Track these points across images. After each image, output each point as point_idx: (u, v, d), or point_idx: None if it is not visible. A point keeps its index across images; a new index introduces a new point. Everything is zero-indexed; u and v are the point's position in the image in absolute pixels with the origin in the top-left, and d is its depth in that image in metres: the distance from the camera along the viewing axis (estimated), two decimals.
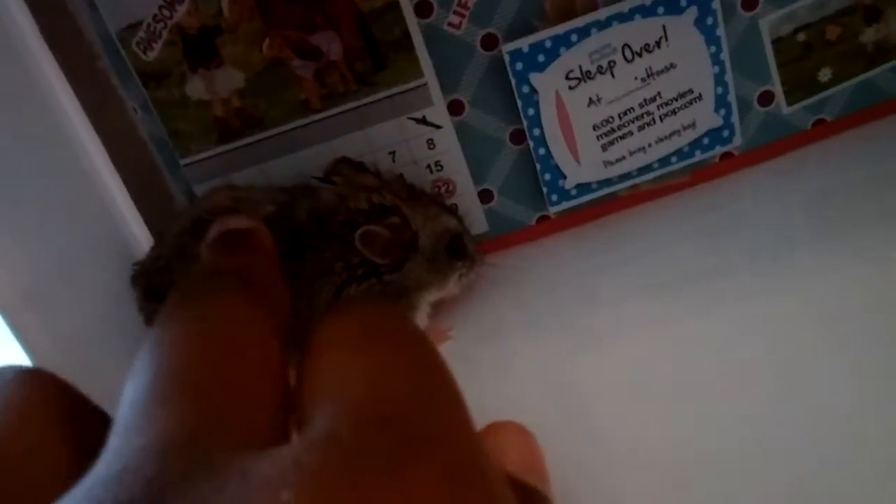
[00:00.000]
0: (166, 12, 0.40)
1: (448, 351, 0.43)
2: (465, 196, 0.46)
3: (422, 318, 0.42)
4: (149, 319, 0.40)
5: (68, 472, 0.15)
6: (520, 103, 0.44)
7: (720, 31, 0.44)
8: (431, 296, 0.42)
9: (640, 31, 0.43)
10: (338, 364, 0.16)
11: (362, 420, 0.14)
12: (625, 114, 0.45)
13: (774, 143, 0.47)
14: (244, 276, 0.19)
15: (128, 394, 0.15)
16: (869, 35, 0.46)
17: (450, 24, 0.42)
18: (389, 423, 0.14)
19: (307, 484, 0.12)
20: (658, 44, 0.43)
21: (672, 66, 0.44)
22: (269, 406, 0.16)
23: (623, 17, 0.42)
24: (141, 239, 0.46)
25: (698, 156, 0.46)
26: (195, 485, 0.13)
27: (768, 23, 0.44)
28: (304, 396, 0.16)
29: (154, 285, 0.40)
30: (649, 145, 0.46)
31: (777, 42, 0.45)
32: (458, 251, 0.41)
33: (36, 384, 0.17)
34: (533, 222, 0.48)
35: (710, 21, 0.43)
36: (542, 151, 0.45)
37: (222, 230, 0.23)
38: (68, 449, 0.16)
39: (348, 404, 0.14)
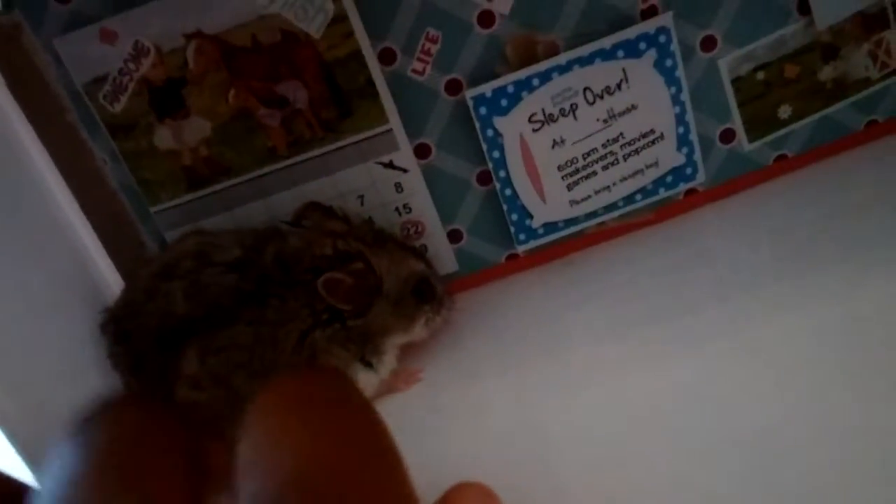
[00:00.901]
0: (132, 65, 0.40)
1: (419, 392, 0.44)
2: (434, 236, 0.47)
3: (390, 362, 0.42)
4: (117, 364, 0.41)
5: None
6: (485, 146, 0.44)
7: (679, 73, 0.44)
8: (398, 339, 0.42)
9: (601, 74, 0.44)
10: (268, 433, 0.16)
11: (283, 496, 0.14)
12: (588, 154, 0.45)
13: (737, 179, 0.48)
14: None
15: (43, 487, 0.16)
16: (827, 73, 0.46)
17: (413, 71, 0.43)
18: (312, 496, 0.14)
19: None
20: (619, 86, 0.44)
21: (633, 107, 0.45)
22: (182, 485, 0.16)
23: (583, 61, 0.43)
24: (113, 285, 0.46)
25: (662, 193, 0.47)
26: None
27: (727, 63, 0.45)
28: (239, 466, 0.16)
29: (124, 330, 0.40)
30: (614, 184, 0.46)
31: (736, 81, 0.46)
32: (425, 294, 0.42)
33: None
34: (502, 260, 0.48)
35: (669, 63, 0.44)
36: (508, 192, 0.46)
37: None
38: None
39: (275, 478, 0.14)
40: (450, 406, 0.42)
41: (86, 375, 0.42)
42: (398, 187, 0.45)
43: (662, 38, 0.43)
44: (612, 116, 0.45)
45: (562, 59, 0.43)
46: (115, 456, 0.17)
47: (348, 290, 0.38)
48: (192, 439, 0.18)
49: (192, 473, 0.17)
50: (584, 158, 0.45)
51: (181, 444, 0.18)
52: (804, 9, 0.44)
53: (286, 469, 0.15)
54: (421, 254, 0.44)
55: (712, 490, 0.33)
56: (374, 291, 0.40)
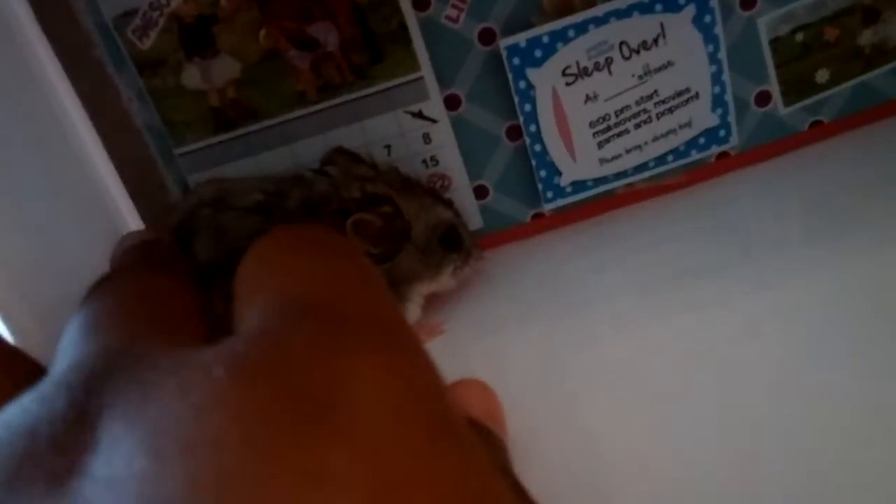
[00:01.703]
0: (163, 0, 0.40)
1: (440, 345, 0.43)
2: (461, 192, 0.46)
3: (414, 311, 0.42)
4: None
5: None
6: (516, 99, 0.44)
7: (718, 30, 0.44)
8: (425, 288, 0.41)
9: (638, 28, 0.43)
10: (270, 266, 0.17)
11: (289, 310, 0.14)
12: (621, 111, 0.45)
13: (771, 143, 0.47)
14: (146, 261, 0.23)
15: (65, 336, 0.17)
16: (867, 37, 0.46)
17: (447, 18, 0.42)
18: (315, 310, 0.14)
19: (238, 362, 0.12)
20: (656, 41, 0.43)
21: (669, 63, 0.44)
22: (199, 329, 0.17)
23: (620, 14, 0.42)
24: (135, 229, 0.45)
25: (694, 155, 0.46)
26: (137, 372, 0.13)
27: (766, 22, 0.44)
28: (240, 300, 0.17)
29: None
30: (645, 143, 0.45)
31: (775, 42, 0.45)
32: (453, 243, 0.41)
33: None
34: (528, 219, 0.48)
35: (707, 19, 0.43)
36: (538, 148, 0.45)
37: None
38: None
39: (278, 298, 0.15)
40: (470, 360, 0.41)
41: None
42: (426, 138, 0.44)
43: None
44: (647, 73, 0.44)
45: (599, 10, 0.42)
46: (134, 299, 0.18)
47: (377, 232, 0.38)
48: (202, 293, 0.20)
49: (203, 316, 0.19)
50: (617, 116, 0.45)
51: (191, 293, 0.19)
52: None
53: (288, 291, 0.15)
54: (450, 203, 0.43)
55: (736, 447, 0.33)
56: (403, 236, 0.39)
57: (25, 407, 0.13)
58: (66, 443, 0.12)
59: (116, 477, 0.11)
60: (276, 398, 0.12)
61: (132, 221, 0.45)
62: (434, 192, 0.43)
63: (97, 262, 0.44)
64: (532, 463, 0.33)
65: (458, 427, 0.13)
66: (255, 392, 0.12)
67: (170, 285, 0.19)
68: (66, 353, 0.16)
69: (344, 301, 0.15)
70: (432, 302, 0.44)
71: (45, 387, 0.14)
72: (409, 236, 0.39)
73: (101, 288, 0.19)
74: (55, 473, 0.12)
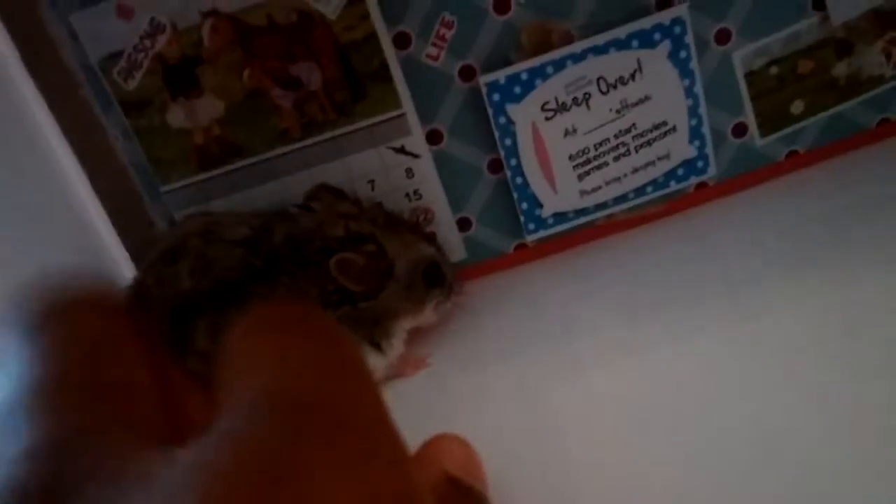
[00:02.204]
0: (147, 42, 0.40)
1: (426, 379, 0.44)
2: (444, 224, 0.47)
3: (398, 346, 0.42)
4: None
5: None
6: (497, 134, 0.44)
7: (693, 65, 0.44)
8: (408, 323, 0.42)
9: (615, 64, 0.44)
10: (244, 355, 0.16)
11: (257, 412, 0.14)
12: (600, 144, 0.45)
13: (748, 173, 0.48)
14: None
15: (10, 364, 0.15)
16: (841, 69, 0.47)
17: (428, 56, 0.43)
18: (286, 413, 0.14)
19: (206, 484, 0.12)
20: (633, 76, 0.44)
21: (647, 98, 0.45)
22: (157, 406, 0.16)
23: (598, 50, 0.43)
24: (121, 264, 0.46)
25: (673, 186, 0.47)
26: (95, 489, 0.12)
27: (741, 56, 0.45)
28: (216, 390, 0.16)
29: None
30: (625, 175, 0.46)
31: (750, 75, 0.46)
32: (435, 279, 0.42)
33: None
34: (511, 250, 0.48)
35: (683, 55, 0.44)
36: (519, 181, 0.46)
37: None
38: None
39: (247, 396, 0.14)
40: (455, 393, 0.42)
41: None
42: (409, 173, 0.45)
43: (677, 30, 0.43)
44: (624, 107, 0.45)
45: (576, 47, 0.43)
46: (79, 365, 0.16)
47: (360, 270, 0.38)
48: (160, 354, 0.18)
49: (163, 385, 0.17)
50: (596, 149, 0.45)
51: (149, 355, 0.17)
52: (819, 4, 0.44)
53: (259, 388, 0.14)
54: (432, 238, 0.44)
55: (715, 480, 0.33)
56: (386, 274, 0.40)
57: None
58: None
59: None
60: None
61: (120, 257, 0.46)
62: (416, 227, 0.44)
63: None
64: (517, 495, 0.34)
65: None
66: None
67: (111, 330, 0.17)
68: (5, 438, 0.14)
69: (321, 401, 0.14)
70: (416, 335, 0.44)
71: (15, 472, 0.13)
72: (392, 274, 0.40)
73: (56, 325, 0.17)
74: None
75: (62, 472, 0.13)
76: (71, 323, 0.17)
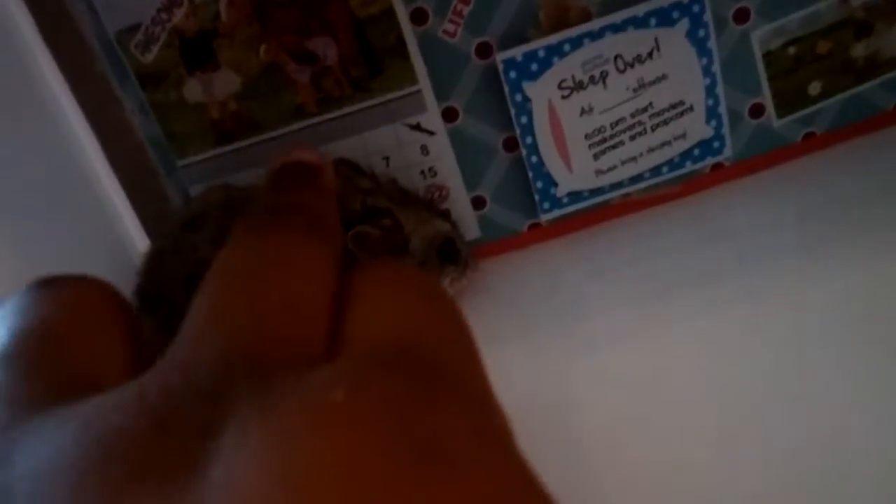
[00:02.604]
0: (164, 15, 0.40)
1: None
2: (458, 202, 0.47)
3: None
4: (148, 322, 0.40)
5: (122, 367, 0.17)
6: (513, 111, 0.44)
7: (711, 44, 0.44)
8: None
9: (633, 42, 0.43)
10: (385, 300, 0.17)
11: (404, 352, 0.15)
12: (616, 123, 0.45)
13: (764, 155, 0.48)
14: (307, 215, 0.21)
15: (194, 307, 0.17)
16: (859, 50, 0.46)
17: (445, 32, 0.43)
18: (425, 359, 0.15)
19: (358, 390, 0.13)
20: (650, 55, 0.44)
21: (664, 77, 0.44)
22: (323, 331, 0.17)
23: (616, 28, 0.43)
24: (137, 239, 0.46)
25: (689, 166, 0.47)
26: (259, 383, 0.14)
27: (759, 36, 0.45)
28: (350, 324, 0.17)
29: (153, 293, 0.40)
30: (640, 155, 0.46)
31: (768, 55, 0.46)
32: (450, 256, 0.42)
33: (96, 288, 0.19)
34: (525, 229, 0.48)
35: (701, 33, 0.44)
36: (534, 159, 0.46)
37: (286, 161, 0.25)
38: (122, 344, 0.18)
39: (392, 337, 0.16)
40: None
41: None
42: (424, 150, 0.45)
43: (696, 8, 0.43)
44: (641, 86, 0.44)
45: (594, 25, 0.43)
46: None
47: (376, 245, 0.38)
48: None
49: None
50: (612, 128, 0.45)
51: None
52: None
53: (401, 334, 0.16)
54: (447, 215, 0.44)
55: (727, 459, 0.33)
56: (402, 249, 0.40)
57: (151, 398, 0.14)
58: (188, 447, 0.13)
59: (234, 487, 0.12)
60: (391, 439, 0.12)
61: (135, 232, 0.46)
62: (432, 204, 0.44)
63: (101, 272, 0.44)
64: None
65: (533, 475, 0.14)
66: (374, 426, 0.12)
67: (313, 255, 0.19)
68: (186, 343, 0.16)
69: (446, 353, 0.16)
70: None
71: (171, 376, 0.14)
72: (407, 249, 0.40)
73: (244, 240, 0.19)
74: (176, 472, 0.12)
75: (228, 377, 0.14)
76: (272, 239, 0.19)
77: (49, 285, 0.18)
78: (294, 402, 0.13)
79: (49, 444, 0.13)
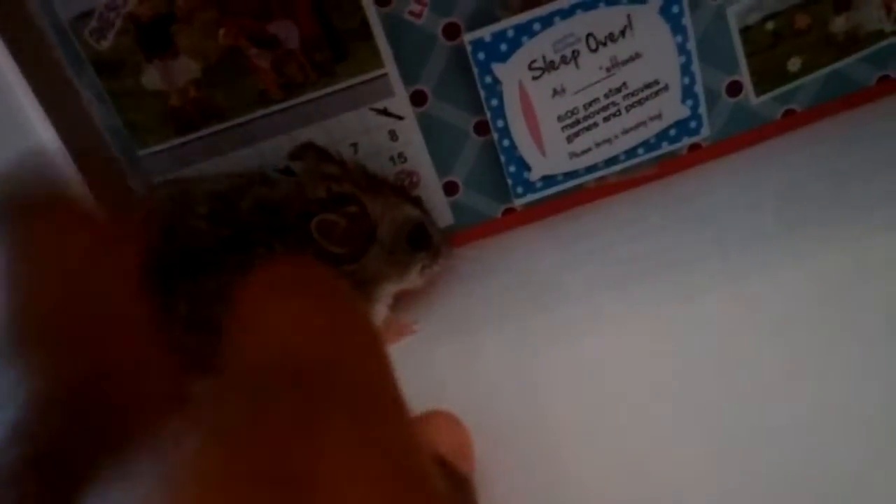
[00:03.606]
0: (119, 0, 0.39)
1: (412, 345, 0.43)
2: (430, 188, 0.46)
3: (382, 311, 0.41)
4: None
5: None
6: (483, 94, 0.43)
7: (686, 21, 0.43)
8: (393, 287, 0.41)
9: (604, 19, 0.42)
10: (257, 312, 0.15)
11: (276, 372, 0.14)
12: (590, 104, 0.44)
13: (743, 134, 0.47)
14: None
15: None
16: (839, 24, 0.45)
17: (410, 13, 0.42)
18: (302, 376, 0.13)
19: (212, 431, 0.12)
20: (623, 33, 0.43)
21: (637, 55, 0.43)
22: (160, 343, 0.15)
23: (586, 6, 0.42)
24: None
25: (665, 147, 0.46)
26: (111, 438, 0.12)
27: (736, 12, 0.44)
28: (229, 337, 0.15)
29: None
30: (615, 137, 0.45)
31: (745, 31, 0.44)
32: (421, 242, 0.41)
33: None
34: (499, 215, 0.47)
35: (675, 10, 0.43)
36: (506, 143, 0.44)
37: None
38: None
39: (262, 355, 0.14)
40: (442, 360, 0.41)
41: None
42: (393, 135, 0.44)
43: None
44: (615, 65, 0.43)
45: (564, 2, 0.41)
46: (57, 294, 0.14)
47: (342, 233, 0.37)
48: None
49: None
50: (586, 109, 0.44)
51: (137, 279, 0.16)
52: None
53: (277, 346, 0.14)
54: (417, 200, 0.42)
55: (714, 441, 0.33)
56: (369, 236, 0.39)
57: None
58: None
59: None
60: (258, 477, 0.11)
61: None
62: (401, 190, 0.43)
63: None
64: (506, 461, 0.33)
65: (433, 489, 0.13)
66: (236, 471, 0.11)
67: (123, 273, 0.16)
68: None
69: (334, 363, 0.14)
70: (403, 300, 0.44)
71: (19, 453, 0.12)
72: (375, 237, 0.39)
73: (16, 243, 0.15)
74: None
75: (70, 434, 0.12)
76: (34, 240, 0.15)
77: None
78: (151, 470, 0.11)
79: None
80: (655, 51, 0.43)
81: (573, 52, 0.43)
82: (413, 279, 0.42)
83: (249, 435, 0.12)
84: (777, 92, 0.46)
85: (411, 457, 0.13)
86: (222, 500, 0.11)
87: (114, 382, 0.14)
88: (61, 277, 0.15)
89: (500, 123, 0.44)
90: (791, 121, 0.47)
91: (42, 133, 0.43)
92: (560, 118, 0.44)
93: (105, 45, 0.40)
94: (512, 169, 0.45)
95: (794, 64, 0.46)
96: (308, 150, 0.41)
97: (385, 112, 0.43)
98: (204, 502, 0.11)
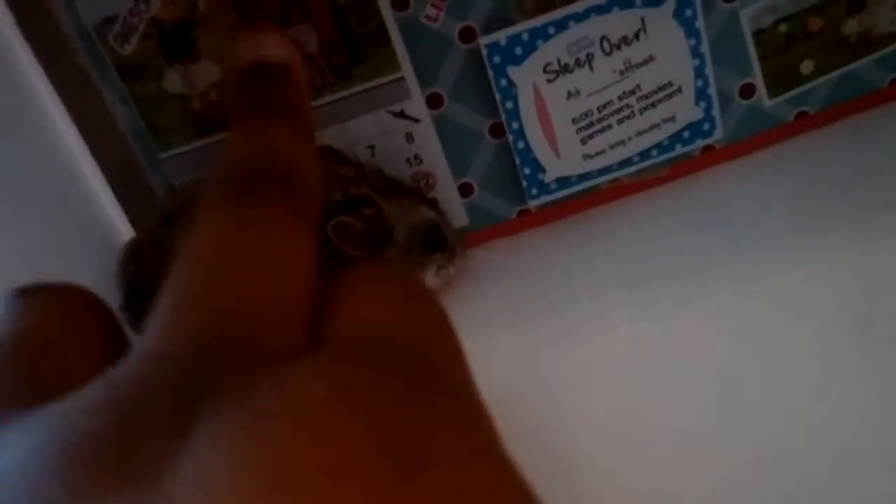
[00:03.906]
0: (142, 6, 0.40)
1: None
2: (445, 189, 0.46)
3: None
4: (129, 319, 0.40)
5: (91, 368, 0.16)
6: (498, 97, 0.44)
7: (700, 24, 0.43)
8: None
9: (619, 23, 0.43)
10: (370, 298, 0.17)
11: (388, 349, 0.15)
12: (604, 107, 0.44)
13: (756, 136, 0.47)
14: (283, 180, 0.20)
15: (166, 293, 0.16)
16: (851, 26, 0.45)
17: (427, 17, 0.42)
18: (409, 357, 0.15)
19: (339, 381, 0.13)
20: (636, 36, 0.43)
21: (651, 58, 0.44)
22: (302, 321, 0.16)
23: (601, 10, 0.42)
24: (123, 232, 0.46)
25: (679, 149, 0.46)
26: (235, 378, 0.13)
27: (749, 14, 0.44)
28: (333, 320, 0.17)
29: (133, 280, 0.40)
30: (629, 139, 0.45)
31: (758, 34, 0.45)
32: (436, 243, 0.41)
33: (75, 295, 0.18)
34: (514, 216, 0.48)
35: (689, 13, 0.43)
36: (521, 145, 0.45)
37: (255, 60, 0.25)
38: (99, 351, 0.17)
39: (376, 335, 0.16)
40: None
41: None
42: (409, 137, 0.45)
43: None
44: (628, 68, 0.44)
45: (579, 6, 0.42)
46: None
47: (358, 235, 0.38)
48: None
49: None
50: (600, 111, 0.45)
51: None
52: None
53: (386, 332, 0.16)
54: (433, 202, 0.43)
55: (719, 446, 0.33)
56: (385, 239, 0.39)
57: (120, 396, 0.13)
58: (158, 446, 0.12)
59: (207, 485, 0.11)
60: (373, 437, 0.12)
61: (121, 224, 0.46)
62: (417, 191, 0.43)
63: (87, 266, 0.44)
64: (520, 461, 0.33)
65: (516, 471, 0.14)
66: (357, 422, 0.12)
67: (293, 229, 0.18)
68: (153, 336, 0.15)
69: (430, 351, 0.16)
70: None
71: (142, 371, 0.14)
72: (391, 239, 0.40)
73: (218, 212, 0.18)
74: (144, 472, 0.12)
75: (198, 375, 0.13)
76: (249, 209, 0.18)
77: (27, 294, 0.18)
78: (273, 397, 0.12)
79: (9, 453, 0.13)
80: (669, 54, 0.44)
81: (587, 55, 0.43)
82: (429, 280, 0.42)
83: (369, 398, 0.13)
84: (790, 94, 0.46)
85: (499, 444, 0.14)
86: (339, 444, 0.12)
87: (254, 337, 0.15)
88: (255, 248, 0.17)
89: (515, 126, 0.44)
90: (804, 123, 0.47)
91: (66, 136, 0.44)
92: (574, 120, 0.45)
93: (129, 49, 0.41)
94: (527, 171, 0.46)
95: (806, 66, 0.46)
96: (325, 153, 0.42)
97: (402, 115, 0.44)
98: (322, 441, 0.12)
